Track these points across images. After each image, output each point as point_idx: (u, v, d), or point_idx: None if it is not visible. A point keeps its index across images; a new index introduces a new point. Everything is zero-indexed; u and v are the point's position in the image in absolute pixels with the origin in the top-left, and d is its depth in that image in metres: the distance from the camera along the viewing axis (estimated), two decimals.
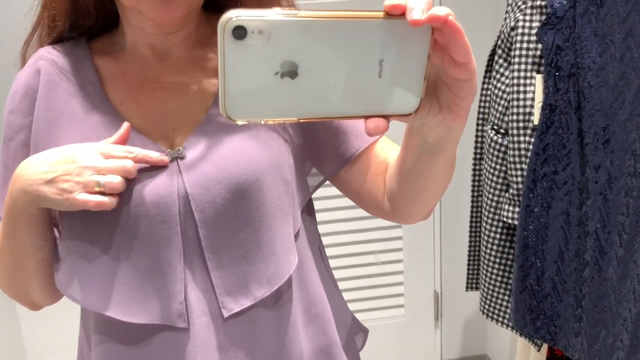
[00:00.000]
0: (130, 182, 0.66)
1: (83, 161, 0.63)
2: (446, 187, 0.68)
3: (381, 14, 0.43)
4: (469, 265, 1.62)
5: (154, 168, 0.68)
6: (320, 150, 0.76)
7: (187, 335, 0.68)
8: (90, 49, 0.75)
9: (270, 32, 0.42)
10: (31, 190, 0.64)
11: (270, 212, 0.69)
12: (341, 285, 2.12)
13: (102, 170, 0.63)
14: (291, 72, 0.43)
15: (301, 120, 0.45)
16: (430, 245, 2.10)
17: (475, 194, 1.55)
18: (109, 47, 0.76)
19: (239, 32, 0.41)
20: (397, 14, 0.42)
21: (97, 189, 0.63)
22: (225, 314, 0.69)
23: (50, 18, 0.73)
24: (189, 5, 0.67)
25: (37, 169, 0.64)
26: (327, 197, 1.95)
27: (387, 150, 0.74)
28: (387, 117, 0.46)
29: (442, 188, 0.67)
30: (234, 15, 0.41)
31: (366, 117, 0.46)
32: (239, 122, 0.44)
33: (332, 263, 2.18)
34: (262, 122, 0.45)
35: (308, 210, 0.82)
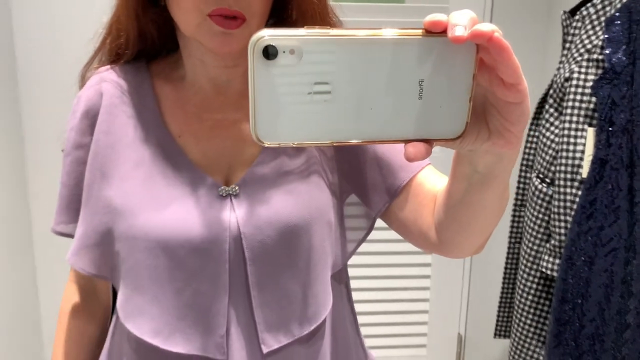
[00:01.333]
0: (181, 219, 0.67)
1: None
2: (498, 220, 0.62)
3: (420, 32, 0.40)
4: (499, 311, 1.59)
5: (208, 204, 0.68)
6: (366, 186, 0.74)
7: None
8: (150, 73, 0.76)
9: (302, 52, 0.39)
10: None
11: (314, 255, 0.70)
12: (364, 319, 2.09)
13: None
14: (324, 93, 0.41)
15: (334, 144, 0.43)
16: (458, 286, 2.07)
17: (513, 240, 1.53)
18: (169, 74, 0.76)
19: (270, 52, 0.39)
20: (438, 31, 0.40)
21: None
22: (265, 350, 0.69)
23: (116, 45, 0.74)
24: (247, 38, 0.64)
25: None
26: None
27: (434, 179, 0.71)
28: (429, 142, 0.42)
29: (493, 221, 0.61)
30: (264, 35, 0.39)
31: (406, 142, 0.42)
32: (268, 145, 0.42)
33: (357, 296, 2.16)
34: (294, 145, 0.42)
35: None
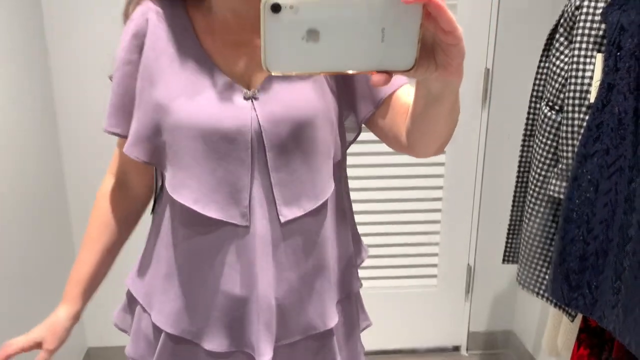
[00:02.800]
0: (215, 113, 0.83)
1: None
2: (451, 128, 0.80)
3: None
4: (508, 237, 1.67)
5: (235, 103, 0.84)
6: (356, 99, 0.92)
7: (247, 231, 0.86)
8: (186, 7, 0.89)
9: (298, 8, 0.54)
10: None
11: (319, 145, 0.88)
12: (375, 251, 2.18)
13: None
14: (314, 37, 0.55)
15: (322, 74, 0.58)
16: (468, 220, 2.16)
17: (522, 169, 1.60)
18: (199, 5, 0.89)
19: (275, 7, 0.53)
20: None
21: None
22: (282, 220, 0.87)
23: None
24: None
25: None
26: (371, 176, 2.03)
27: (407, 97, 0.88)
28: (389, 73, 0.57)
29: (445, 128, 0.79)
30: None
31: (372, 72, 0.58)
32: (274, 74, 0.57)
33: (370, 229, 2.26)
34: (294, 74, 0.58)
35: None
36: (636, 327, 1.22)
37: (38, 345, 0.95)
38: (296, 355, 0.94)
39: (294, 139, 0.85)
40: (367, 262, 1.81)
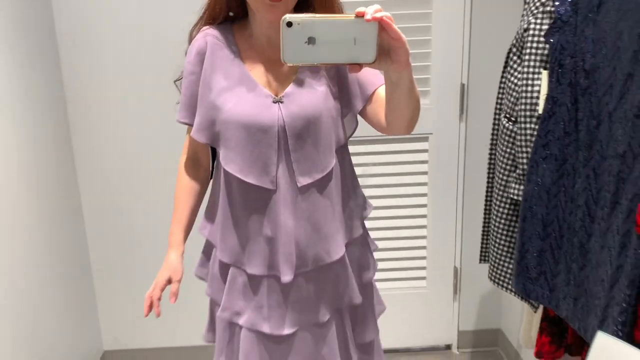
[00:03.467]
0: (253, 112, 1.20)
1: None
2: (414, 109, 1.11)
3: (354, 15, 0.88)
4: (482, 239, 1.82)
5: (267, 106, 1.21)
6: (351, 99, 1.27)
7: (275, 193, 1.23)
8: (233, 31, 1.27)
9: (303, 24, 0.88)
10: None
11: (324, 134, 1.23)
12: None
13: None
14: (312, 42, 0.88)
15: (318, 65, 0.99)
16: (452, 224, 2.31)
17: (490, 175, 1.75)
18: (243, 32, 1.27)
19: (289, 24, 0.88)
20: (360, 16, 0.87)
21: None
22: (299, 185, 1.23)
23: (212, 14, 1.26)
24: (287, 8, 1.16)
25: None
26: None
27: (384, 93, 1.18)
28: (360, 64, 0.91)
29: (409, 109, 1.10)
30: (287, 16, 0.88)
31: (349, 64, 0.91)
32: (289, 64, 0.91)
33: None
34: (299, 64, 0.93)
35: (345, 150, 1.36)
36: (583, 314, 1.36)
37: (168, 281, 1.32)
38: (315, 278, 1.29)
39: (307, 130, 1.21)
40: None
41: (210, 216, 1.36)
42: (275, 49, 1.22)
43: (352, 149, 2.14)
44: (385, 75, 1.04)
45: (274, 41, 1.22)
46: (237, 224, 1.28)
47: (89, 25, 2.05)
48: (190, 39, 1.28)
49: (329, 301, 1.33)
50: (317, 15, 0.89)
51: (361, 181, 2.19)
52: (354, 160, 2.10)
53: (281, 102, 1.21)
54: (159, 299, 1.30)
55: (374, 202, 2.26)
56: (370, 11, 0.86)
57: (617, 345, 1.08)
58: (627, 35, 1.21)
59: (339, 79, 1.26)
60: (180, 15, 1.93)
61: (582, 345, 1.49)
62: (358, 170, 2.18)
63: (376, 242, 2.25)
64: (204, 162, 1.40)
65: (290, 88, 1.22)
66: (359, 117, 1.32)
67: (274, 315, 1.29)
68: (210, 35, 1.25)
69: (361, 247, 1.40)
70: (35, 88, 1.89)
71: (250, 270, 1.28)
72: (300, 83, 1.23)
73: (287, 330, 1.29)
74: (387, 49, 0.92)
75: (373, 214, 2.26)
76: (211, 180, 1.39)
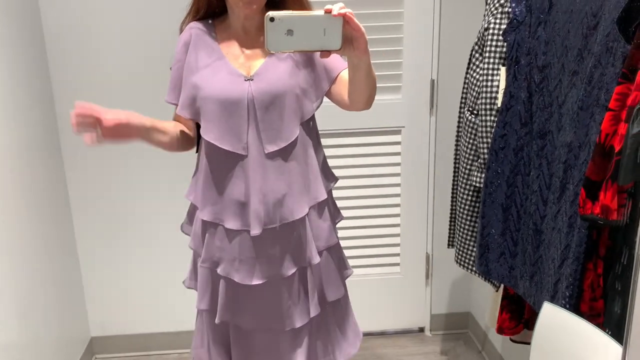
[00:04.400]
0: (226, 88, 1.41)
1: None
2: (371, 88, 1.34)
3: (323, 11, 1.09)
4: (450, 225, 1.95)
5: (239, 84, 1.41)
6: (319, 80, 1.48)
7: (247, 158, 1.44)
8: (214, 24, 1.49)
9: (282, 19, 1.08)
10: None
11: (288, 109, 1.44)
12: (344, 243, 2.54)
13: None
14: (290, 33, 1.09)
15: (293, 51, 1.24)
16: (424, 213, 2.43)
17: (456, 165, 1.87)
18: (223, 24, 1.49)
19: (272, 19, 1.08)
20: (328, 12, 1.09)
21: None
22: (266, 152, 1.44)
23: (196, 10, 1.48)
24: (259, 4, 1.40)
25: None
26: (340, 176, 2.30)
27: (346, 75, 1.40)
28: (329, 52, 1.13)
29: (368, 88, 1.34)
30: (270, 13, 1.08)
31: (320, 51, 1.13)
32: (272, 51, 1.12)
33: (340, 224, 2.55)
34: (281, 52, 1.22)
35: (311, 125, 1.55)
36: (537, 290, 1.49)
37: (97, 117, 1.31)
38: (281, 234, 1.49)
39: (272, 104, 1.42)
40: None
41: (195, 183, 1.56)
42: (249, 37, 1.46)
43: (329, 141, 2.27)
44: (348, 60, 1.27)
45: (249, 30, 1.46)
46: (215, 186, 1.48)
47: (77, 21, 2.12)
48: (181, 31, 1.52)
49: (293, 257, 1.51)
50: (294, 12, 1.11)
51: (337, 172, 2.32)
52: (332, 152, 2.23)
53: (251, 80, 1.43)
54: (90, 119, 1.29)
55: (350, 193, 2.39)
56: (336, 8, 1.10)
57: (561, 314, 1.20)
58: (573, 36, 1.33)
59: (309, 64, 1.47)
60: (166, 11, 2.03)
61: None
62: (335, 162, 2.31)
63: (352, 231, 2.39)
64: (186, 129, 1.58)
65: (260, 69, 1.43)
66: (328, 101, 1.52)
67: (243, 268, 1.50)
68: (194, 28, 1.48)
69: (324, 211, 1.57)
70: (22, 84, 1.96)
71: (228, 225, 1.48)
72: (268, 64, 1.44)
73: (255, 281, 1.50)
74: (350, 38, 1.15)
75: (349, 203, 2.40)
76: (197, 154, 1.58)
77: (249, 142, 1.43)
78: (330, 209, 1.61)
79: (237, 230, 1.49)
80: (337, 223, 1.65)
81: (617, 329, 1.19)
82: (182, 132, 1.54)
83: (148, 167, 2.26)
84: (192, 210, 1.61)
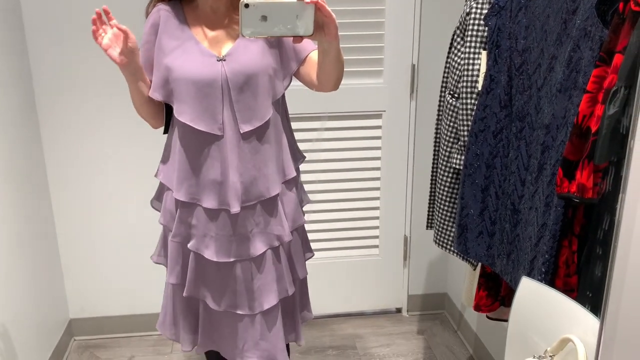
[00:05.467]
0: (200, 70, 1.42)
1: None
2: (340, 71, 1.41)
3: None
4: (429, 207, 1.99)
5: (212, 64, 1.43)
6: (288, 61, 1.51)
7: (223, 138, 1.46)
8: (182, 5, 1.49)
9: (256, 5, 1.12)
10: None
11: (260, 88, 1.46)
12: (325, 225, 2.60)
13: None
14: (264, 19, 1.12)
15: (268, 37, 1.32)
16: (402, 196, 2.47)
17: (436, 148, 1.91)
18: (190, 5, 1.50)
19: (246, 5, 1.11)
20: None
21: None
22: (241, 131, 1.46)
23: None
24: None
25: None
26: (316, 160, 2.33)
27: (315, 57, 1.46)
28: (301, 37, 1.17)
29: (336, 71, 1.40)
30: (245, 0, 1.11)
31: (292, 37, 1.16)
32: (246, 37, 1.16)
33: (319, 207, 2.63)
34: (255, 37, 1.19)
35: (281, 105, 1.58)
36: (514, 268, 1.54)
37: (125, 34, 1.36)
38: (256, 211, 1.53)
39: (246, 84, 1.44)
40: (317, 236, 2.16)
41: (164, 163, 1.59)
42: (217, 17, 1.48)
43: (310, 124, 2.30)
44: (318, 44, 1.33)
45: (217, 10, 1.48)
46: (191, 167, 1.50)
47: (56, 14, 2.09)
48: (147, 13, 1.52)
49: (265, 237, 1.55)
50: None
51: (318, 155, 2.35)
52: (313, 135, 2.27)
53: (224, 60, 1.44)
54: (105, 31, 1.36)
55: (331, 176, 2.42)
56: None
57: (539, 288, 1.25)
58: (553, 21, 1.37)
59: (278, 45, 1.50)
60: None
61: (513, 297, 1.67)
62: (317, 145, 2.33)
63: (332, 214, 2.43)
64: (160, 107, 1.59)
65: (231, 49, 1.46)
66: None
67: (214, 245, 1.53)
68: (162, 9, 1.48)
69: (292, 190, 1.62)
70: (3, 79, 1.93)
71: (205, 205, 1.50)
72: (239, 45, 1.47)
73: (224, 259, 1.53)
74: (321, 24, 1.20)
75: (330, 186, 2.43)
76: (165, 135, 1.61)
77: (225, 123, 1.44)
78: (298, 188, 1.65)
79: (214, 210, 1.51)
80: (303, 205, 1.69)
81: (596, 293, 1.25)
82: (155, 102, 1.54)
83: (125, 147, 2.25)
84: (161, 187, 1.63)
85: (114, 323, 2.45)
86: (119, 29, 1.35)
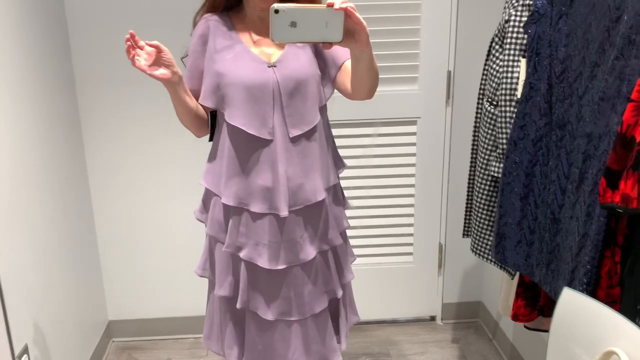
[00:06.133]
0: (252, 75, 1.47)
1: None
2: (373, 79, 1.40)
3: (326, 5, 1.13)
4: (465, 214, 1.97)
5: (263, 70, 1.47)
6: (328, 67, 1.55)
7: (273, 142, 1.49)
8: (230, 16, 1.55)
9: (286, 12, 1.13)
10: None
11: (310, 94, 1.50)
12: (359, 232, 2.62)
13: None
14: (294, 25, 1.13)
15: (299, 42, 1.28)
16: (438, 203, 2.46)
17: (473, 155, 1.90)
18: (238, 15, 1.55)
19: (276, 11, 1.13)
20: (330, 6, 1.12)
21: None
22: (291, 136, 1.50)
23: (211, 4, 1.53)
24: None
25: None
26: (351, 166, 2.34)
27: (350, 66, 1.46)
28: (331, 43, 1.17)
29: (369, 79, 1.40)
30: (275, 5, 1.13)
31: (322, 43, 1.17)
32: (276, 42, 1.22)
33: (354, 213, 2.64)
34: (285, 42, 1.29)
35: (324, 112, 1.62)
36: (554, 278, 1.52)
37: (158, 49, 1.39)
38: (304, 216, 1.55)
39: (297, 90, 1.49)
40: (351, 243, 2.19)
41: (211, 170, 1.59)
42: (266, 26, 1.48)
43: (346, 131, 2.31)
44: (350, 52, 1.33)
45: (265, 20, 1.46)
46: (241, 171, 1.52)
47: (100, 19, 2.15)
48: (194, 23, 1.55)
49: (314, 241, 1.57)
50: (298, 5, 1.14)
51: (353, 162, 2.35)
52: (349, 141, 2.29)
53: (275, 67, 1.48)
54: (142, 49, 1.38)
55: (365, 182, 2.43)
56: (338, 2, 1.14)
57: (582, 299, 1.23)
58: (595, 28, 1.35)
59: (319, 53, 1.54)
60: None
61: (553, 307, 1.65)
62: (352, 151, 2.34)
63: (367, 220, 2.43)
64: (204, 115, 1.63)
65: (281, 56, 1.49)
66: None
67: (267, 252, 1.54)
68: (211, 20, 1.53)
69: (337, 196, 1.66)
70: (47, 87, 2.00)
71: (253, 209, 1.52)
72: (289, 52, 1.50)
73: (278, 266, 1.54)
74: (352, 31, 1.19)
75: (364, 193, 2.43)
76: (211, 142, 1.64)
77: (275, 127, 1.47)
78: (339, 194, 1.67)
79: (262, 214, 1.52)
80: (345, 209, 1.71)
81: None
82: (199, 111, 1.57)
83: (170, 152, 2.30)
84: (207, 197, 1.63)
85: (151, 325, 2.50)
86: (150, 45, 1.36)
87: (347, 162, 2.32)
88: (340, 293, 1.63)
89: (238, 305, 1.57)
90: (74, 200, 2.19)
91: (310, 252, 1.56)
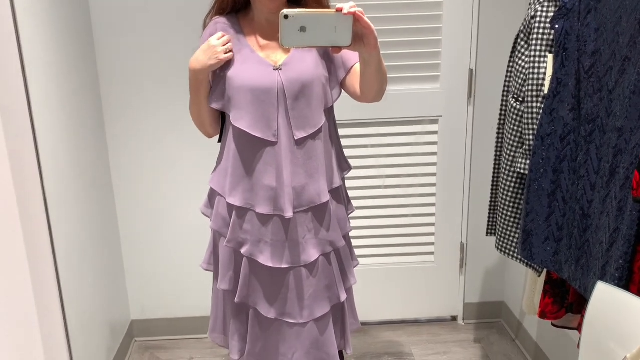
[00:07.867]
0: (257, 78, 1.48)
1: (212, 44, 1.49)
2: (381, 82, 1.44)
3: (334, 10, 1.17)
4: (489, 213, 1.97)
5: (269, 73, 1.48)
6: (337, 70, 1.56)
7: (277, 145, 1.50)
8: (238, 18, 1.57)
9: (296, 17, 1.15)
10: (199, 68, 1.49)
11: (315, 97, 1.51)
12: (380, 231, 2.61)
13: (218, 46, 1.48)
14: (303, 30, 1.15)
15: (307, 47, 1.30)
16: (459, 202, 2.45)
17: (497, 152, 1.89)
18: (246, 17, 1.56)
19: (286, 16, 1.15)
20: (339, 10, 1.16)
21: (224, 53, 1.48)
22: (296, 138, 1.51)
23: (220, 6, 1.56)
24: (282, 1, 1.49)
25: (199, 59, 1.49)
26: (372, 165, 2.33)
27: (359, 68, 1.48)
28: (340, 48, 1.20)
29: (378, 82, 1.43)
30: (285, 10, 1.16)
31: (331, 47, 1.20)
32: (286, 47, 1.20)
33: (375, 212, 2.64)
34: (294, 47, 1.24)
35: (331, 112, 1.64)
36: (584, 274, 1.51)
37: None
38: (308, 218, 1.56)
39: (302, 92, 1.49)
40: (372, 242, 2.17)
41: (218, 171, 1.62)
42: (273, 29, 1.49)
43: (367, 130, 2.31)
44: (359, 55, 1.35)
45: (272, 23, 1.49)
46: (246, 173, 1.54)
47: (125, 18, 2.17)
48: (204, 25, 1.59)
49: (317, 243, 1.58)
50: (307, 10, 1.19)
51: (374, 161, 2.35)
52: (370, 140, 2.29)
53: (280, 70, 1.49)
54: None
55: (386, 181, 2.43)
56: (347, 7, 1.17)
57: (616, 292, 1.22)
58: (625, 22, 1.34)
59: (327, 55, 1.55)
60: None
61: (582, 304, 1.64)
62: (373, 151, 2.34)
63: (388, 220, 2.42)
64: (217, 116, 1.65)
65: (287, 59, 1.50)
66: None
67: (268, 250, 1.56)
68: (220, 22, 1.55)
69: (340, 198, 1.66)
70: (72, 85, 2.02)
71: (259, 210, 1.54)
72: (294, 55, 1.51)
73: (282, 265, 1.55)
74: (361, 35, 1.22)
75: (385, 192, 2.43)
76: (219, 143, 1.66)
77: (279, 130, 1.49)
78: (343, 197, 1.68)
79: (267, 215, 1.54)
80: (349, 214, 1.71)
81: None
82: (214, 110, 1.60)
83: (191, 151, 2.31)
84: (211, 194, 1.67)
85: (173, 325, 2.50)
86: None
87: (368, 161, 2.35)
88: (344, 297, 1.63)
89: (236, 299, 1.60)
90: (96, 200, 2.21)
91: (312, 254, 1.57)
